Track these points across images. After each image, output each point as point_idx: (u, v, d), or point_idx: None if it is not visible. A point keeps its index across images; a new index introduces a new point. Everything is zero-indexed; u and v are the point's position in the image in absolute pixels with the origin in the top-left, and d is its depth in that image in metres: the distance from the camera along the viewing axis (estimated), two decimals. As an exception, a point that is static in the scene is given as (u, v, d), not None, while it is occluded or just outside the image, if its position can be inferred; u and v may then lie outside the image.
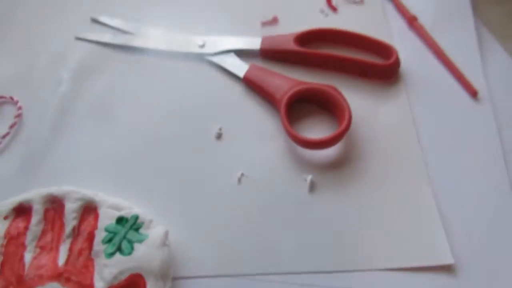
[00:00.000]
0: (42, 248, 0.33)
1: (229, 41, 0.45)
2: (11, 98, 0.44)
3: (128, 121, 0.41)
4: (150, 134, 0.40)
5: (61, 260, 0.33)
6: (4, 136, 0.42)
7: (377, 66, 0.41)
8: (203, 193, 0.36)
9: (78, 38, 0.48)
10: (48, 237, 0.34)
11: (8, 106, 0.44)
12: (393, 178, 0.36)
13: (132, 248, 0.32)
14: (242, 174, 0.37)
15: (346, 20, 0.47)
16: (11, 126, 0.42)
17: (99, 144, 0.40)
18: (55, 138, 0.41)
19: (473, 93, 0.39)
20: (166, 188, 0.37)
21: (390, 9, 0.48)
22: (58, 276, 0.32)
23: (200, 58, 0.45)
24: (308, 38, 0.44)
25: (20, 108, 0.43)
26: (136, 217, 0.33)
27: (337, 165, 0.37)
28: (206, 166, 0.38)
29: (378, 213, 0.34)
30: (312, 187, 0.36)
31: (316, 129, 0.39)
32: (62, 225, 0.34)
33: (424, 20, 0.46)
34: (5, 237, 0.34)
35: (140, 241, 0.32)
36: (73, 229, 0.34)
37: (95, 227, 0.34)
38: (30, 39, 0.49)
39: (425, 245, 0.33)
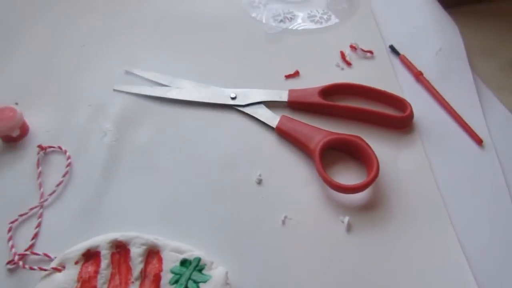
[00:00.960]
0: (113, 289, 0.37)
1: (258, 94, 0.51)
2: (60, 148, 0.48)
3: (171, 170, 0.46)
4: (194, 181, 0.45)
5: (133, 303, 0.36)
6: (58, 185, 0.45)
7: (395, 118, 0.47)
8: (252, 234, 0.41)
9: (116, 90, 0.53)
10: (117, 280, 0.38)
11: (55, 155, 0.48)
12: (417, 218, 0.41)
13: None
14: (286, 217, 0.42)
15: (359, 73, 0.53)
16: (64, 175, 0.46)
17: (147, 191, 0.44)
18: (106, 186, 0.45)
19: (479, 141, 0.46)
20: (218, 231, 0.41)
21: (398, 64, 0.54)
22: (132, 316, 0.35)
23: (232, 109, 0.50)
24: (331, 91, 0.50)
25: (69, 157, 0.47)
26: (198, 259, 0.38)
27: (367, 208, 0.42)
28: (251, 209, 0.42)
29: (407, 251, 0.40)
30: (349, 228, 0.41)
31: (345, 174, 0.44)
32: (128, 268, 0.38)
33: (428, 75, 0.52)
34: (78, 281, 0.37)
35: (204, 281, 0.37)
36: (141, 272, 0.37)
37: (160, 269, 0.38)
38: (70, 90, 0.53)
39: (453, 281, 0.38)
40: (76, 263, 0.38)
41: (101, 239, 0.39)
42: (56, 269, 0.38)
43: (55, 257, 0.39)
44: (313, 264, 0.39)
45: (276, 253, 0.40)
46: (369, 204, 0.42)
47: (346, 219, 0.41)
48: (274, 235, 0.41)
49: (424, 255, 0.39)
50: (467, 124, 0.46)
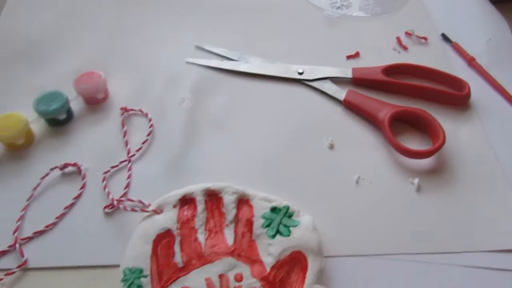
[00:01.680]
0: (210, 231, 0.41)
1: (324, 70, 0.55)
2: (141, 111, 0.52)
3: (246, 134, 0.50)
4: (269, 144, 0.49)
5: (229, 241, 0.40)
6: (143, 142, 0.49)
7: (454, 95, 0.51)
8: (329, 192, 0.45)
9: (188, 63, 0.57)
10: (212, 223, 0.41)
11: (137, 118, 0.52)
12: (480, 183, 0.45)
13: (289, 232, 0.40)
14: (359, 177, 0.46)
15: (415, 57, 0.57)
16: (148, 134, 0.50)
17: (226, 151, 0.48)
18: (187, 145, 0.49)
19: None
20: (296, 189, 0.45)
21: (450, 50, 0.59)
22: (231, 252, 0.39)
23: (300, 83, 0.54)
24: (393, 70, 0.54)
25: (151, 119, 0.51)
26: (287, 207, 0.41)
27: (433, 172, 0.46)
28: (326, 170, 0.46)
29: (471, 211, 0.44)
30: (418, 189, 0.45)
31: (411, 142, 0.48)
32: (221, 214, 0.42)
33: (480, 61, 0.56)
34: (177, 222, 0.41)
35: (294, 226, 0.40)
36: (234, 217, 0.41)
37: (251, 215, 0.41)
38: (146, 61, 0.57)
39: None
40: (174, 206, 0.41)
41: (195, 187, 0.42)
42: (155, 212, 0.41)
43: (149, 204, 0.42)
44: (385, 219, 0.43)
45: (351, 208, 0.44)
46: (435, 169, 0.46)
47: (416, 180, 0.45)
48: (349, 193, 0.45)
49: (487, 216, 0.43)
50: (518, 103, 0.51)
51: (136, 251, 0.39)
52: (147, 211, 0.41)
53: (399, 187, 0.45)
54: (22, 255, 0.40)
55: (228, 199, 0.41)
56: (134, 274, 0.37)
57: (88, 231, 0.42)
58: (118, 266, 0.39)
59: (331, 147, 0.48)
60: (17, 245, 0.41)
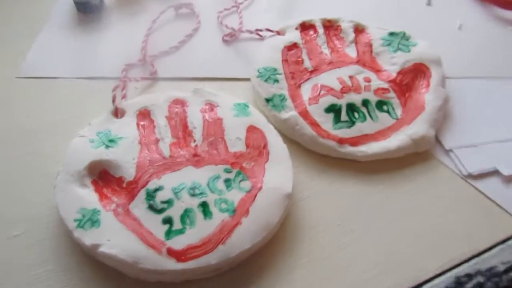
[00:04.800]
0: (332, 49, 0.43)
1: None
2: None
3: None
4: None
5: (353, 56, 0.42)
6: (250, -6, 0.51)
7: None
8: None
9: None
10: (332, 44, 0.43)
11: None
12: None
13: (409, 49, 0.42)
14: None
15: None
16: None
17: None
18: None
19: None
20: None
21: None
22: (356, 62, 0.41)
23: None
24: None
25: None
26: (404, 32, 0.44)
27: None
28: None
29: None
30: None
31: None
32: (340, 38, 0.44)
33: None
34: (302, 38, 0.43)
35: (413, 45, 0.43)
36: (353, 38, 0.43)
37: (370, 38, 0.44)
38: None
39: None
40: (296, 29, 0.44)
41: (313, 16, 0.45)
42: (278, 33, 0.44)
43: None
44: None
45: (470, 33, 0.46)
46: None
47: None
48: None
49: None
50: None
51: (267, 56, 0.41)
52: (271, 31, 0.43)
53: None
54: (152, 66, 0.42)
55: (346, 25, 0.44)
56: (269, 72, 0.40)
57: (210, 53, 0.44)
58: (242, 79, 0.41)
59: None
60: (147, 59, 0.43)
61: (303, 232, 0.32)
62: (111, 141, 0.34)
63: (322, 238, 0.32)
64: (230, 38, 0.45)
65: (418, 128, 0.36)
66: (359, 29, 0.44)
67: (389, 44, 0.42)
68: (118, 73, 0.42)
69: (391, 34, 0.43)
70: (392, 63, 0.41)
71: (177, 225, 0.30)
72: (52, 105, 0.40)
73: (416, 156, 0.37)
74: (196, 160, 0.33)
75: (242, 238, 0.29)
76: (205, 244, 0.29)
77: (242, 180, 0.32)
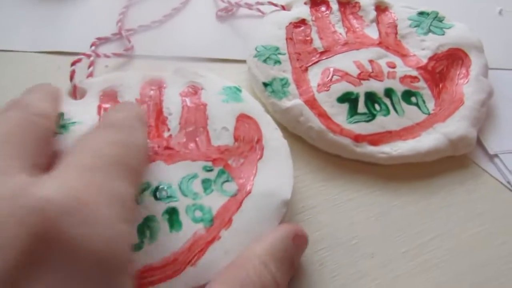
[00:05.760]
0: (348, 28, 0.35)
1: None
2: None
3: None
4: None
5: (374, 36, 0.34)
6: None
7: None
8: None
9: None
10: (348, 23, 0.36)
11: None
12: None
13: (443, 32, 0.34)
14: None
15: None
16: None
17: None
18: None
19: None
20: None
21: None
22: (378, 44, 0.34)
23: None
24: None
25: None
26: (437, 12, 0.36)
27: None
28: None
29: None
30: None
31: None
32: (358, 17, 0.36)
33: None
34: (311, 15, 0.35)
35: (448, 27, 0.35)
36: (375, 17, 0.36)
37: (394, 18, 0.36)
38: None
39: None
40: (305, 3, 0.36)
41: (327, -10, 0.37)
42: (283, 8, 0.36)
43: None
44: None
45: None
46: None
47: None
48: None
49: None
50: None
51: (268, 33, 0.33)
52: (275, 5, 0.35)
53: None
54: (129, 41, 0.35)
55: (366, 2, 0.36)
56: (269, 51, 0.32)
57: (200, 30, 0.37)
58: (236, 61, 0.34)
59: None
60: (123, 32, 0.35)
61: (305, 253, 0.24)
62: (62, 127, 0.26)
63: (330, 262, 0.24)
64: (226, 13, 0.38)
65: (456, 126, 0.29)
66: (381, 8, 0.36)
67: (418, 26, 0.34)
68: (87, 48, 0.34)
69: (421, 13, 0.35)
70: (421, 47, 0.33)
71: (133, 238, 0.22)
72: (5, 81, 0.32)
73: (451, 161, 0.29)
74: (168, 154, 0.25)
75: (219, 259, 0.21)
76: (168, 265, 0.21)
77: (226, 181, 0.24)
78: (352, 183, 0.28)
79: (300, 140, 0.29)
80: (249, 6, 0.37)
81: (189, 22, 0.38)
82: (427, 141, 0.28)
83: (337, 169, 0.28)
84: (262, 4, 0.36)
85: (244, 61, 0.33)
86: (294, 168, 0.26)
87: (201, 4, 0.39)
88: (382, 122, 0.29)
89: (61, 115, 0.26)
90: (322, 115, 0.29)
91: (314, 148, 0.29)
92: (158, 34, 0.36)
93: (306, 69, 0.32)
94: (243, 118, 0.27)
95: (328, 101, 0.30)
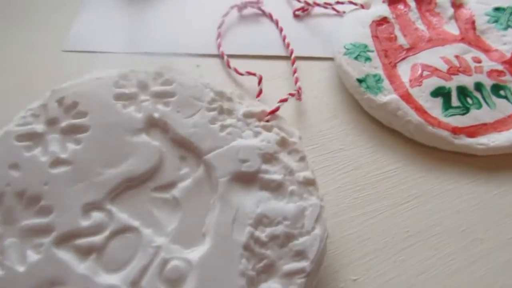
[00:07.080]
0: (428, 25, 0.36)
1: None
2: None
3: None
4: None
5: (455, 32, 0.35)
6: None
7: None
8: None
9: None
10: (427, 21, 0.37)
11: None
12: None
13: (521, 26, 0.35)
14: None
15: None
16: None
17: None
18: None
19: None
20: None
21: None
22: (460, 40, 0.35)
23: None
24: None
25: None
26: (512, 7, 0.37)
27: None
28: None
29: None
30: None
31: None
32: (435, 14, 0.37)
33: None
34: (392, 12, 0.36)
35: (527, 20, 0.36)
36: (453, 14, 0.37)
37: (471, 14, 0.37)
38: None
39: None
40: (383, 2, 0.37)
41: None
42: (362, 7, 0.37)
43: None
44: None
45: None
46: None
47: None
48: None
49: None
50: None
51: (354, 31, 0.34)
52: (354, 4, 0.37)
53: None
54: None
55: (442, 0, 0.37)
56: (358, 48, 0.33)
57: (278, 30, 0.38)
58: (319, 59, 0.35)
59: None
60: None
61: (420, 239, 0.25)
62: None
63: (444, 247, 0.26)
64: (302, 13, 0.39)
65: (547, 117, 0.29)
66: (456, 4, 0.37)
67: (496, 21, 0.35)
68: (169, 49, 0.35)
69: (497, 9, 0.36)
70: (503, 42, 0.34)
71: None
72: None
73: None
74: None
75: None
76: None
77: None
78: (451, 174, 0.29)
79: (395, 134, 0.31)
80: (326, 5, 0.38)
81: (267, 22, 0.39)
82: (521, 132, 0.29)
83: (434, 160, 0.30)
84: (341, 3, 0.37)
85: (326, 59, 0.34)
86: (392, 160, 0.28)
87: (273, 4, 0.40)
88: (476, 115, 0.30)
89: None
90: (419, 109, 0.30)
91: (410, 141, 0.30)
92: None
93: (395, 65, 0.33)
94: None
95: (422, 96, 0.31)
